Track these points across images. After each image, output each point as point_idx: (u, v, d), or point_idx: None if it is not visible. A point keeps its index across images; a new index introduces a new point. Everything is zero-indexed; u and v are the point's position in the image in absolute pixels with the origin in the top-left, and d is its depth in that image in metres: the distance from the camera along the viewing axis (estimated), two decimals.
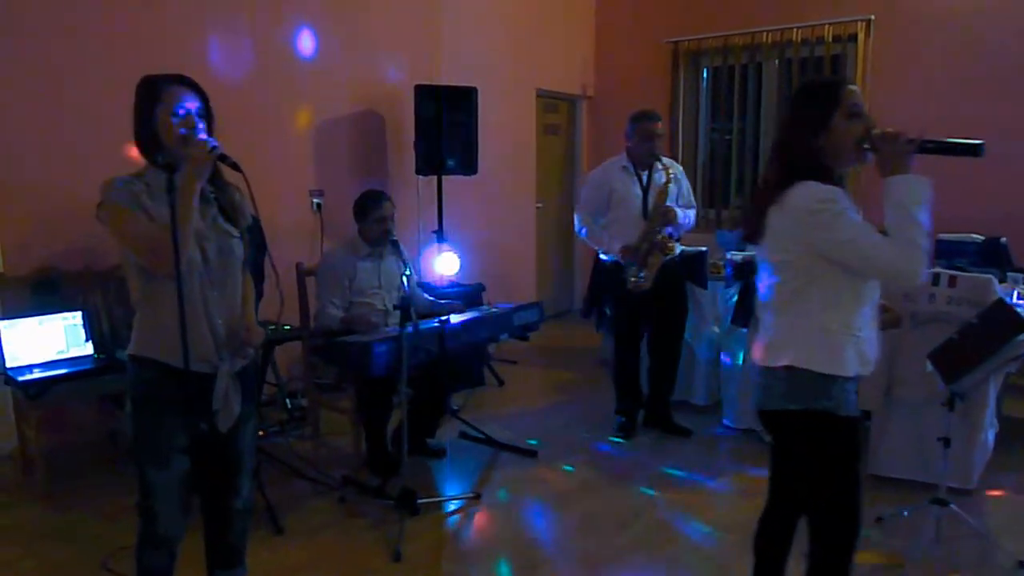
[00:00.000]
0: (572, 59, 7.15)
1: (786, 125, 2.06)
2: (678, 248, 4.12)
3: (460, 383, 4.48)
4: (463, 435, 4.22)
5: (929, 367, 2.94)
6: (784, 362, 1.98)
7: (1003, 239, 4.37)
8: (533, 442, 4.10)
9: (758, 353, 2.09)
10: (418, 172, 5.10)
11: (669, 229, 4.00)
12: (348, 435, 3.97)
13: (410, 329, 3.04)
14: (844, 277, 1.95)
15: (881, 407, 3.58)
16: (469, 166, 5.22)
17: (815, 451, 2.03)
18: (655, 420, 4.34)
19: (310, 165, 4.98)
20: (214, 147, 1.94)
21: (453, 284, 5.14)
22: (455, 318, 3.50)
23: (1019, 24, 5.06)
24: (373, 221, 3.79)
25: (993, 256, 4.31)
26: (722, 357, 4.46)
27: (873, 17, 5.71)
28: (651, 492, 3.59)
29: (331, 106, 5.05)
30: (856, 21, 5.76)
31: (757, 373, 2.09)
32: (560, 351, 6.12)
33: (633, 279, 3.95)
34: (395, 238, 3.80)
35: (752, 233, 2.08)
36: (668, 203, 3.98)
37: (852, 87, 1.99)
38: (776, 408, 2.03)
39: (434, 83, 5.10)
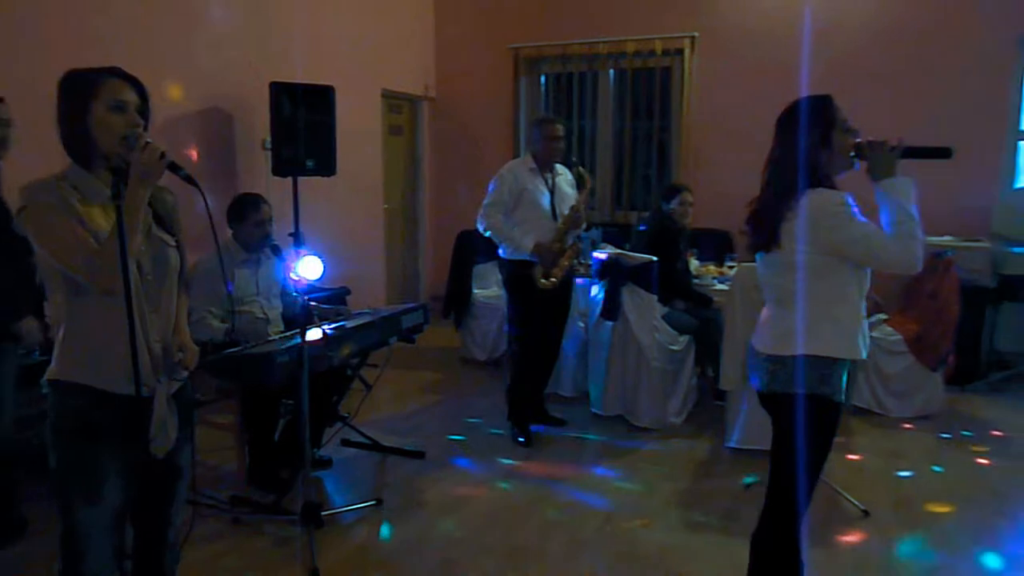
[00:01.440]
0: (414, 60, 7.16)
1: (788, 143, 2.24)
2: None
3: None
4: (345, 442, 4.14)
5: None
6: (800, 351, 2.19)
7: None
8: (409, 447, 4.11)
9: (766, 343, 2.29)
10: (275, 173, 4.88)
11: (576, 233, 4.20)
12: (228, 451, 3.76)
13: (325, 334, 2.96)
14: (851, 272, 2.19)
15: (738, 386, 4.01)
16: (328, 167, 5.07)
17: (807, 430, 2.22)
18: (533, 413, 4.48)
19: None
20: (164, 153, 1.80)
21: (316, 288, 4.98)
22: (352, 322, 3.43)
23: (825, 54, 5.80)
24: (253, 225, 3.64)
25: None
26: (590, 350, 4.72)
27: (697, 34, 6.30)
28: (543, 481, 3.75)
29: (175, 103, 4.69)
30: (682, 37, 6.31)
31: (762, 360, 2.29)
32: (418, 352, 6.08)
33: (543, 278, 4.05)
34: (276, 242, 3.66)
35: (765, 242, 2.25)
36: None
37: (837, 103, 2.25)
38: (782, 391, 2.23)
39: (290, 81, 4.90)
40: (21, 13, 3.76)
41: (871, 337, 4.57)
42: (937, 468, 3.95)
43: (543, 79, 7.09)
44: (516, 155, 6.85)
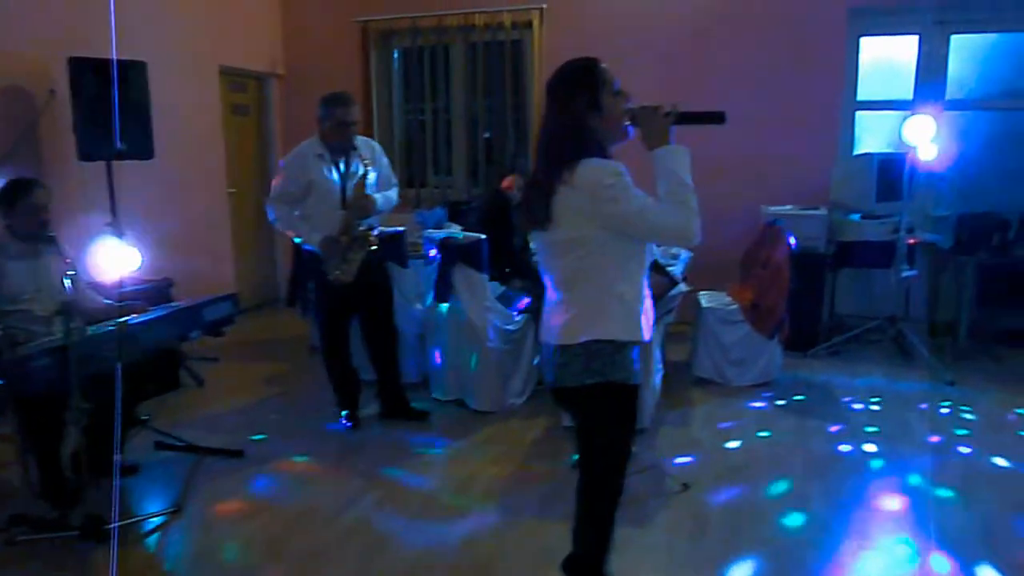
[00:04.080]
0: (259, 34, 6.77)
1: (558, 111, 2.09)
2: (376, 231, 3.99)
3: (151, 389, 4.09)
4: (160, 445, 3.85)
5: None
6: (585, 338, 2.03)
7: None
8: (231, 446, 3.86)
9: (554, 333, 2.11)
10: (82, 158, 4.48)
11: (370, 221, 3.86)
12: (11, 467, 3.42)
13: (78, 336, 2.68)
14: (630, 247, 2.06)
15: None
16: (144, 150, 4.71)
17: (608, 419, 2.12)
18: (393, 410, 4.25)
19: None
20: None
21: (134, 281, 4.62)
22: (136, 318, 3.15)
23: (669, 25, 5.80)
24: (23, 213, 3.28)
25: None
26: (427, 334, 4.56)
27: (545, 6, 6.17)
28: (366, 475, 3.58)
29: None
30: (530, 10, 6.18)
31: (551, 352, 2.12)
32: (266, 343, 5.86)
33: (336, 272, 3.77)
34: (52, 233, 3.31)
35: (539, 219, 2.06)
36: (367, 193, 3.81)
37: (605, 65, 2.09)
38: (574, 384, 2.07)
39: (94, 56, 4.49)
40: None
41: (712, 308, 4.67)
42: (765, 435, 4.00)
43: (395, 54, 6.84)
44: (370, 133, 6.60)
